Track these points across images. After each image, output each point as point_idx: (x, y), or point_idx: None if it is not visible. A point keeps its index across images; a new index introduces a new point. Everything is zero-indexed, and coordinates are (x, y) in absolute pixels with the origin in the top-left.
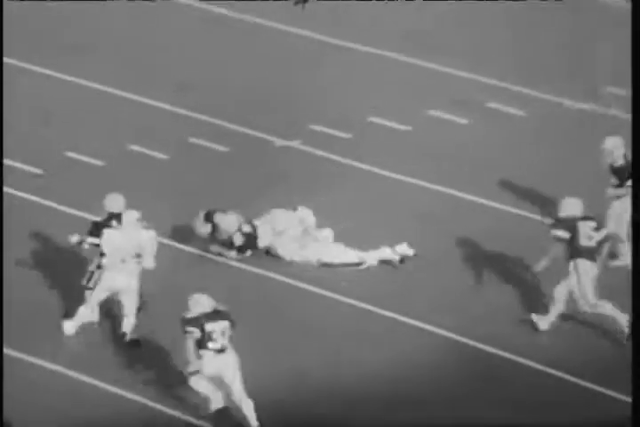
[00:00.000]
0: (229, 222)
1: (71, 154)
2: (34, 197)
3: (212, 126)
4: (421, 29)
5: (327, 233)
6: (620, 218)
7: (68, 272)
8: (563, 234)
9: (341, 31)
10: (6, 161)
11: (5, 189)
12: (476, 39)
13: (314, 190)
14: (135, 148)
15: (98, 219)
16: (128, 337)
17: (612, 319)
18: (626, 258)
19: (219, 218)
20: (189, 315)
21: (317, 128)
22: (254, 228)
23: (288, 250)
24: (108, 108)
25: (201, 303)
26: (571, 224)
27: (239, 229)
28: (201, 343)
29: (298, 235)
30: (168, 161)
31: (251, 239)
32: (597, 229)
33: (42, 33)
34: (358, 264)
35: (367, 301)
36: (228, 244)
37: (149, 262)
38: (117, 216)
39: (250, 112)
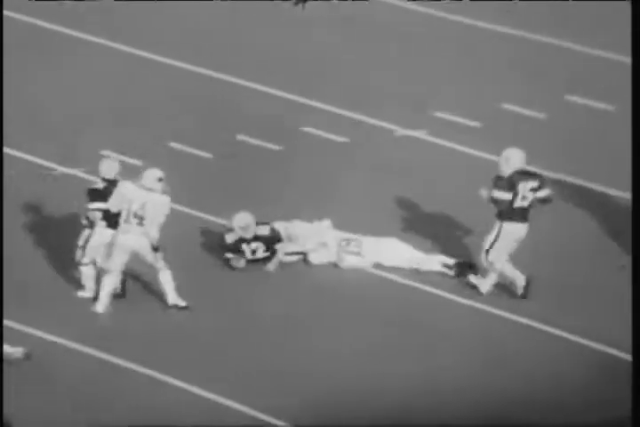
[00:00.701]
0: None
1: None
2: None
3: (325, 114)
4: (557, 12)
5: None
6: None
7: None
8: (502, 195)
9: (472, 13)
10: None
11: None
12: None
13: (437, 185)
14: (242, 138)
15: (96, 186)
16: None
17: (510, 280)
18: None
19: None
20: None
21: (444, 116)
22: (274, 230)
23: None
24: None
25: None
26: (511, 182)
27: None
28: None
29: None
30: (278, 152)
31: (273, 238)
32: (538, 189)
33: (136, 23)
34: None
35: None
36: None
37: (153, 232)
38: (113, 182)
39: (369, 100)
